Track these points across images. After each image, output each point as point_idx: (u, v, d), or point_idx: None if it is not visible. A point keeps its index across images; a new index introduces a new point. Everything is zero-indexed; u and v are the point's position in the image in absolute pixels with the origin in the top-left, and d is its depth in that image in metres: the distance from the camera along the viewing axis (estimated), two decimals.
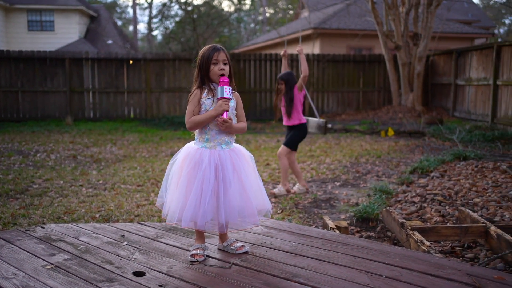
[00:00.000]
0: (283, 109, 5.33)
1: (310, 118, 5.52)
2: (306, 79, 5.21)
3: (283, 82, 5.24)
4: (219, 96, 2.72)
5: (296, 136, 5.32)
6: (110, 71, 13.89)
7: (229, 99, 2.72)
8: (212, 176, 2.68)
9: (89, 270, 2.60)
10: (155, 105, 14.07)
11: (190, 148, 2.82)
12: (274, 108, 5.50)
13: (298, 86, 5.20)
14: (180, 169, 2.77)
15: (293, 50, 19.53)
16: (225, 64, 2.79)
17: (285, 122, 5.36)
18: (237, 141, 2.94)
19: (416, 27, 13.92)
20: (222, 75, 2.77)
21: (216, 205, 2.69)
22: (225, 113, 2.72)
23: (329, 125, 5.65)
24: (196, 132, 2.84)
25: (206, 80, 2.80)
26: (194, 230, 2.91)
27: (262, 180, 5.94)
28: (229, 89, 2.73)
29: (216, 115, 2.71)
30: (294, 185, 5.80)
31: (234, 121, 2.82)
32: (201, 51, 2.84)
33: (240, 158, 2.79)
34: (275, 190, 5.35)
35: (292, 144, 5.32)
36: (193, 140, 2.89)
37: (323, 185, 5.82)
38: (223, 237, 2.92)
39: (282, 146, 5.34)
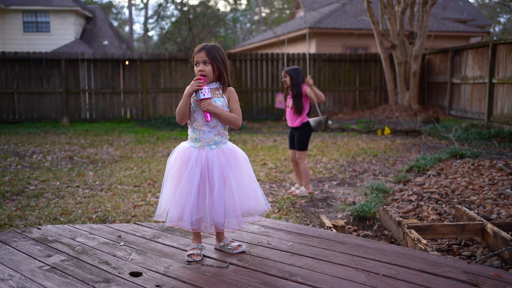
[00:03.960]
0: (288, 109, 5.23)
1: (311, 119, 5.42)
2: (319, 101, 5.01)
3: (287, 75, 5.12)
4: (197, 99, 2.70)
5: (304, 136, 5.19)
6: (106, 72, 13.86)
7: (208, 99, 2.69)
8: (197, 176, 2.68)
9: (86, 271, 2.59)
10: (151, 106, 14.05)
11: (181, 147, 2.85)
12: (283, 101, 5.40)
13: (308, 93, 5.04)
14: (171, 168, 2.80)
15: (289, 50, 19.53)
16: (206, 64, 2.74)
17: (290, 123, 5.24)
18: (234, 141, 2.94)
19: (412, 26, 13.95)
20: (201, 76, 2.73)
21: (202, 205, 2.69)
22: (207, 115, 2.70)
23: (330, 122, 5.57)
24: (188, 131, 2.86)
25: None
26: (191, 230, 2.91)
27: (259, 180, 5.95)
28: (206, 89, 2.70)
29: (188, 94, 2.70)
30: (292, 185, 5.80)
31: (219, 125, 2.80)
32: None
33: (230, 159, 2.77)
34: (297, 192, 5.26)
35: (305, 145, 5.22)
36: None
37: (320, 184, 5.83)
38: (220, 236, 2.92)
39: (297, 151, 5.21)
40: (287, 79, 5.13)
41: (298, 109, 5.09)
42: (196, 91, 2.69)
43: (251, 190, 2.81)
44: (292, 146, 5.35)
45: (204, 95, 2.68)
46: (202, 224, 2.77)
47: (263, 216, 2.92)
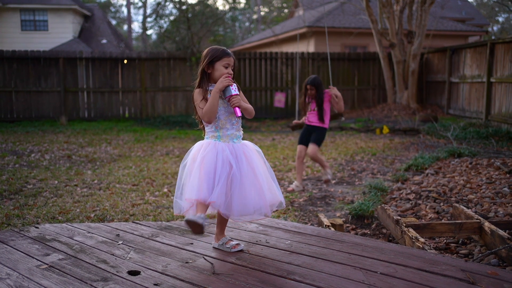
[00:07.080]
0: (314, 113, 5.41)
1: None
2: (338, 110, 5.40)
3: (314, 88, 5.33)
4: (227, 95, 2.77)
5: (321, 135, 5.42)
6: (105, 71, 13.84)
7: (237, 95, 2.78)
8: (232, 160, 2.71)
9: (84, 269, 2.59)
10: (150, 105, 14.04)
11: (203, 142, 2.84)
12: (301, 108, 5.66)
13: (332, 99, 5.36)
14: (194, 159, 2.76)
15: (288, 48, 19.53)
16: (232, 69, 2.88)
17: (309, 122, 5.45)
18: None
19: (411, 25, 13.95)
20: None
21: (230, 193, 2.70)
22: (237, 110, 2.77)
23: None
24: (207, 131, 2.85)
25: (206, 81, 2.84)
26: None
27: None
28: (235, 85, 2.80)
29: (219, 90, 2.75)
30: (290, 183, 5.81)
31: (239, 121, 2.89)
32: (210, 51, 2.84)
33: (250, 151, 2.85)
34: (293, 186, 5.46)
35: (320, 142, 5.42)
36: (197, 140, 2.90)
37: (318, 183, 5.83)
38: (218, 235, 2.92)
39: (312, 145, 5.36)
40: (314, 91, 5.33)
41: (321, 116, 5.37)
42: (226, 88, 2.76)
43: (270, 181, 2.86)
44: (302, 142, 5.47)
45: (234, 91, 2.78)
46: (231, 214, 2.74)
47: (280, 207, 2.91)
